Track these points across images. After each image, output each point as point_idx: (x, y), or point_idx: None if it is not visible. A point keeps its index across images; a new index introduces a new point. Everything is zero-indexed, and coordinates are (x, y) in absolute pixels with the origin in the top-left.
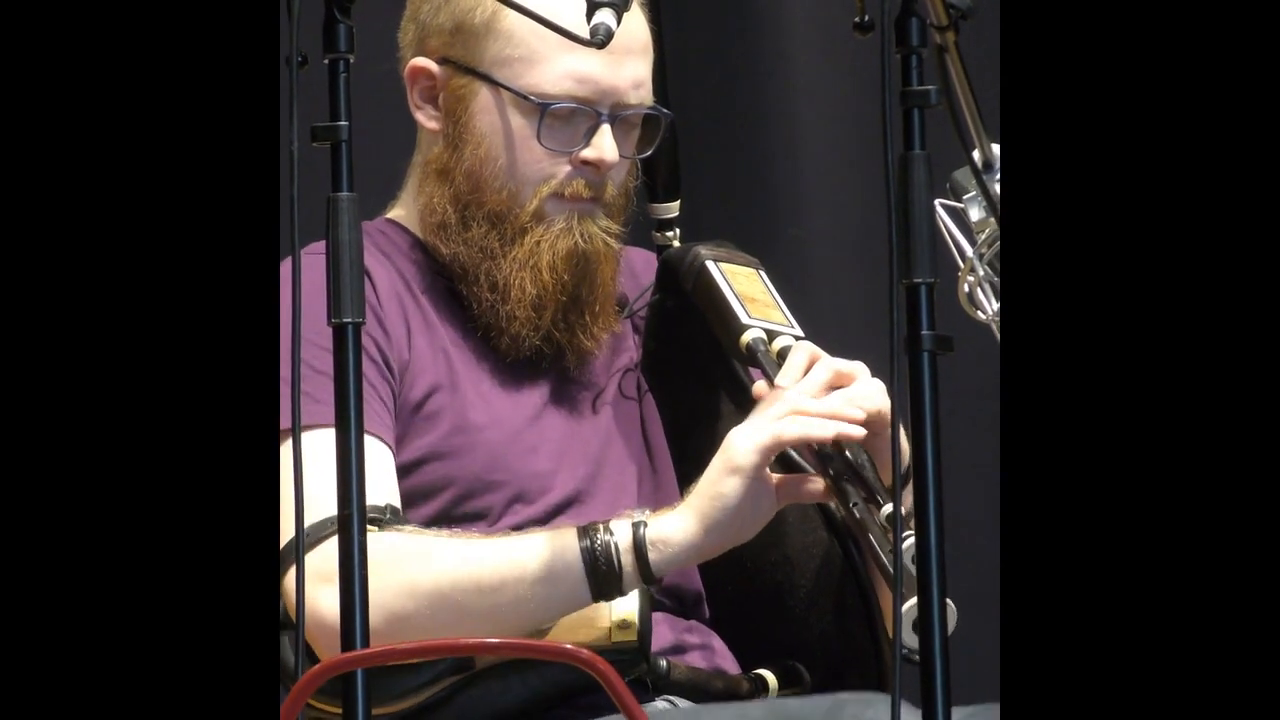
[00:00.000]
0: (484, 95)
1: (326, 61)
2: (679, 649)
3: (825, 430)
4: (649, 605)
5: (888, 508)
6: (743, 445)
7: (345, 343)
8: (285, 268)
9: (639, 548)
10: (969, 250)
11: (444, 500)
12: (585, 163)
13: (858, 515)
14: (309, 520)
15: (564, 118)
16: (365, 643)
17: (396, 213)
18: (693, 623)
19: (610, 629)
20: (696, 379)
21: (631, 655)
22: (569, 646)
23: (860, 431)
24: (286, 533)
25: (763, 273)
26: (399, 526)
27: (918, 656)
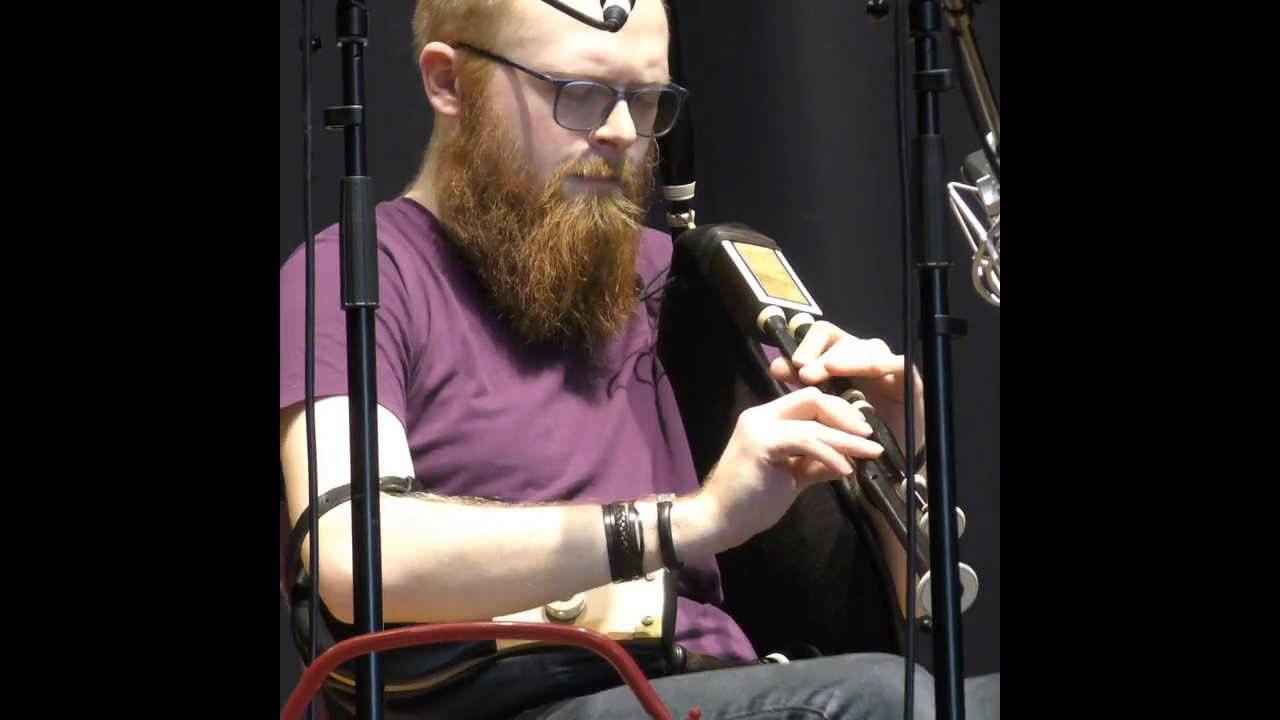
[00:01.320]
0: (499, 77)
1: (340, 45)
2: (694, 633)
3: (840, 462)
4: (674, 605)
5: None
6: (758, 434)
7: (359, 326)
8: (301, 252)
9: (663, 527)
10: (983, 234)
11: (454, 485)
12: (603, 141)
13: (877, 488)
14: (328, 485)
15: (580, 97)
16: (379, 618)
17: (415, 194)
18: (707, 606)
19: (634, 629)
20: (712, 362)
21: (652, 651)
22: (583, 630)
23: (876, 449)
24: (304, 498)
25: (779, 252)
26: (423, 495)
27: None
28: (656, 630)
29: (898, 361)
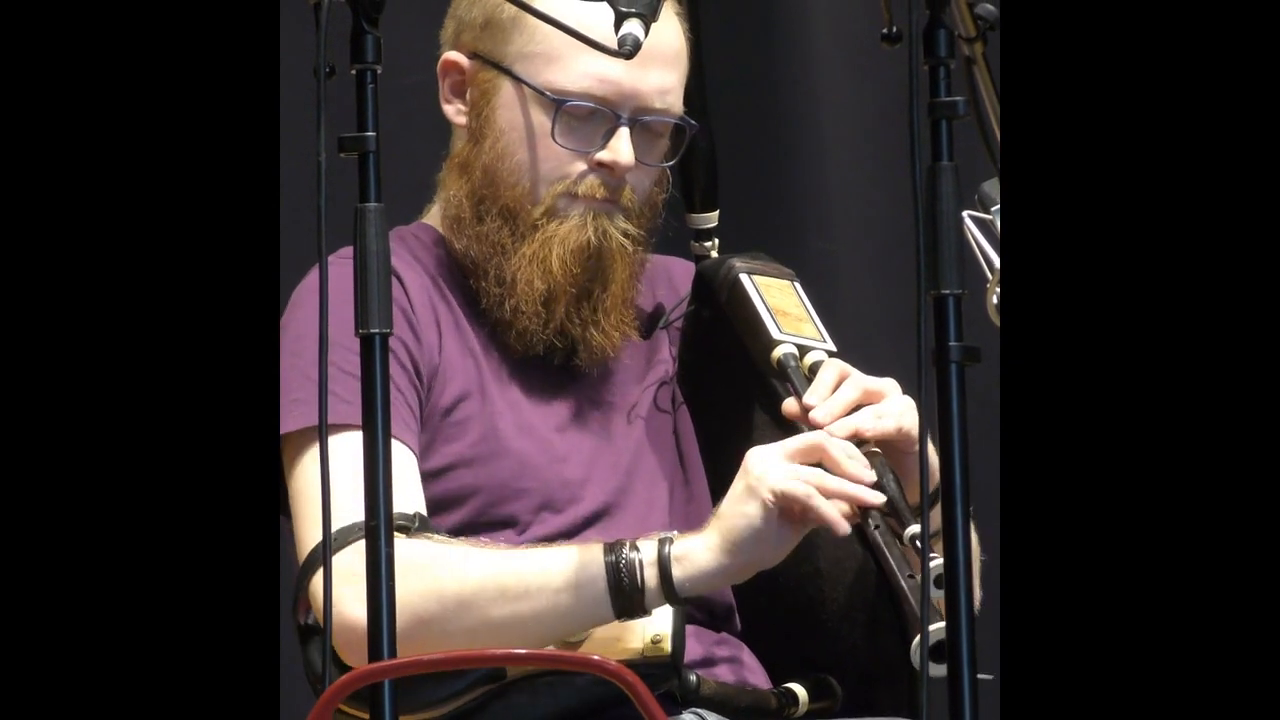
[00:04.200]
0: (507, 90)
1: (354, 72)
2: (709, 662)
3: (840, 523)
4: (683, 623)
5: (913, 528)
6: (763, 475)
7: (373, 353)
8: (313, 275)
9: (663, 564)
10: (997, 261)
11: (471, 508)
12: (600, 164)
13: (880, 537)
14: (338, 524)
15: (582, 117)
16: (392, 652)
17: (430, 214)
18: (723, 635)
19: (644, 647)
20: (731, 391)
21: (663, 671)
22: (596, 657)
23: (878, 499)
24: (312, 534)
25: (797, 284)
26: (428, 535)
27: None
28: (666, 648)
29: (914, 425)
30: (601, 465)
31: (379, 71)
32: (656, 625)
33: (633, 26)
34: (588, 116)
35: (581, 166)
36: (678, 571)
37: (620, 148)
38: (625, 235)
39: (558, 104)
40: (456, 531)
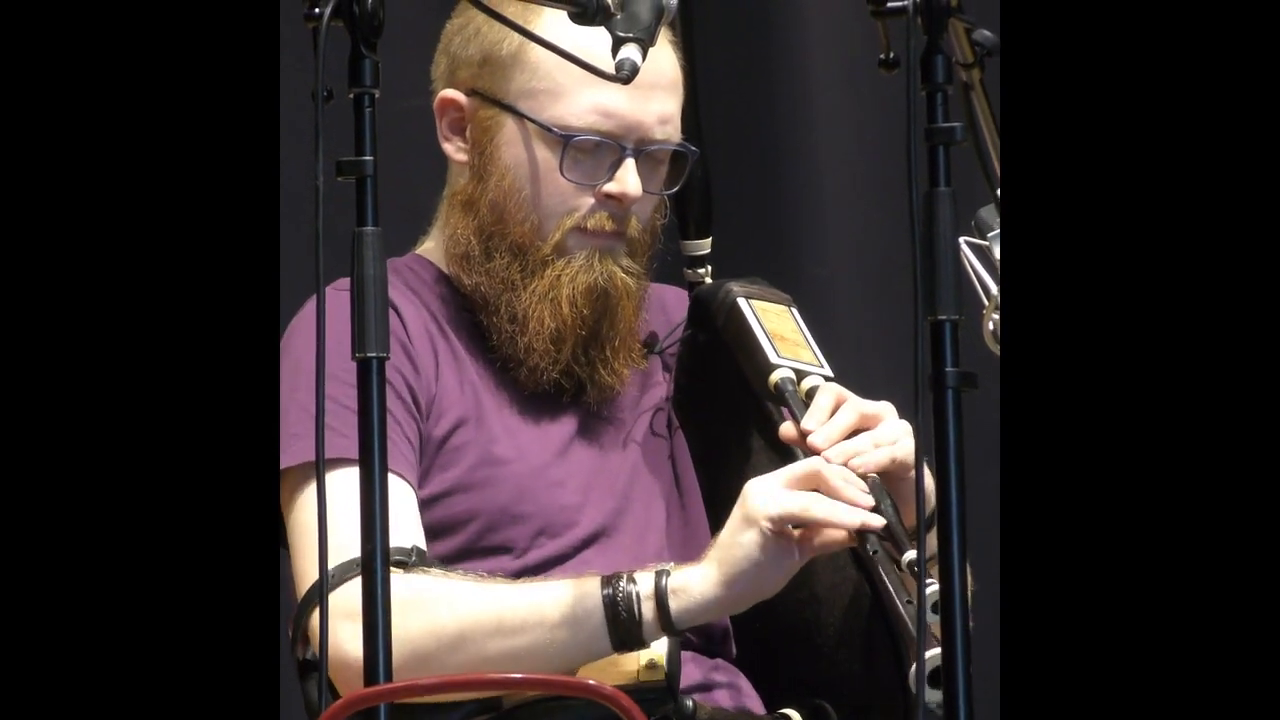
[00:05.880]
0: (510, 127)
1: (352, 96)
2: (705, 687)
3: (850, 518)
4: (678, 646)
5: (910, 553)
6: (760, 504)
7: (369, 377)
8: (312, 305)
9: (660, 596)
10: (993, 288)
11: (469, 533)
12: (609, 196)
13: (877, 561)
14: (337, 560)
15: (588, 151)
16: (388, 679)
17: (425, 247)
18: (718, 661)
19: (638, 670)
20: (728, 415)
21: (659, 695)
22: (592, 682)
23: (880, 522)
24: (311, 571)
25: (794, 310)
26: (425, 569)
27: (941, 711)
28: (660, 675)
29: (910, 450)
30: (598, 489)
31: (377, 96)
32: (652, 649)
33: (630, 51)
34: (593, 150)
35: (589, 199)
36: (675, 604)
37: (628, 179)
38: (629, 273)
39: (565, 140)
40: (453, 557)
